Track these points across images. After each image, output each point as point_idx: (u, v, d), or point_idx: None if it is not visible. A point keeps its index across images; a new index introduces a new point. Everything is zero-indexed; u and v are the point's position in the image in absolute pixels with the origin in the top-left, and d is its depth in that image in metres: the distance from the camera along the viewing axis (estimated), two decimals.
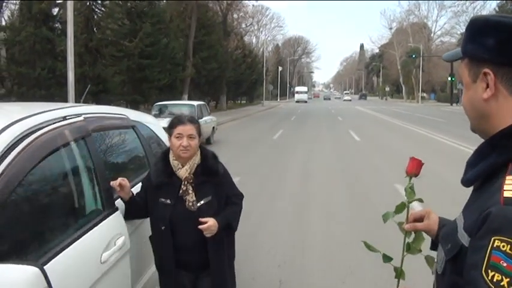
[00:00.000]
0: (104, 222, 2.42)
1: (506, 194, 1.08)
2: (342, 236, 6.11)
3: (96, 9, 24.88)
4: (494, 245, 1.04)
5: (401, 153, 13.05)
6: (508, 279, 1.00)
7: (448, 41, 76.21)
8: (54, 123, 2.29)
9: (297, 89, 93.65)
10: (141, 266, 3.02)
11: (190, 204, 2.79)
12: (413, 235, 1.61)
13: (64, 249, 2.06)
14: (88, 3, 24.05)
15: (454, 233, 1.24)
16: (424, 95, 75.20)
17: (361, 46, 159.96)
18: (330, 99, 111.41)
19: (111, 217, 2.51)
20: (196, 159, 2.89)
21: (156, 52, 28.21)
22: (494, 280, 1.02)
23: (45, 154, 2.11)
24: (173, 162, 2.87)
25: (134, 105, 25.36)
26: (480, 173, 1.22)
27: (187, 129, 2.83)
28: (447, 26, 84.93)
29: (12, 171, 1.89)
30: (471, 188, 1.29)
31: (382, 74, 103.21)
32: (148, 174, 2.98)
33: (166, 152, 2.99)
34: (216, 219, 2.78)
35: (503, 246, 1.02)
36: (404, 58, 76.23)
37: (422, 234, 1.60)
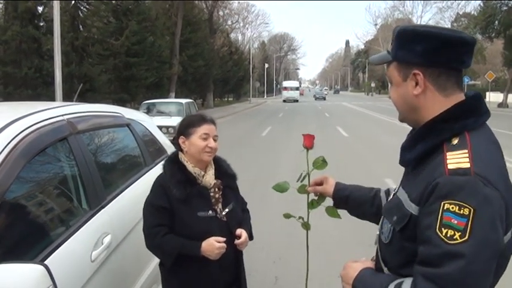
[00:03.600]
0: (90, 221, 2.42)
1: (450, 166, 1.32)
2: (336, 231, 6.14)
3: (82, 8, 24.68)
4: (445, 208, 1.27)
5: (389, 148, 13.12)
6: (459, 233, 1.23)
7: None
8: (33, 126, 2.28)
9: (285, 84, 71.68)
10: (138, 266, 3.01)
11: (223, 213, 2.49)
12: (312, 195, 2.13)
13: (57, 249, 2.07)
14: (73, 2, 23.84)
15: (400, 206, 1.45)
16: None
17: (347, 42, 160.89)
18: (324, 99, 78.53)
19: (97, 216, 2.50)
20: (212, 163, 2.59)
21: (142, 50, 28.12)
22: (448, 235, 1.25)
23: (28, 158, 2.11)
24: (193, 169, 2.47)
25: (121, 104, 25.08)
26: (420, 153, 1.45)
27: (213, 129, 2.51)
28: (432, 21, 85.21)
29: None
30: None
31: (368, 69, 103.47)
32: (159, 192, 2.45)
33: (174, 159, 2.55)
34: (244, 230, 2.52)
35: (452, 208, 1.25)
36: None
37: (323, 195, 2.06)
